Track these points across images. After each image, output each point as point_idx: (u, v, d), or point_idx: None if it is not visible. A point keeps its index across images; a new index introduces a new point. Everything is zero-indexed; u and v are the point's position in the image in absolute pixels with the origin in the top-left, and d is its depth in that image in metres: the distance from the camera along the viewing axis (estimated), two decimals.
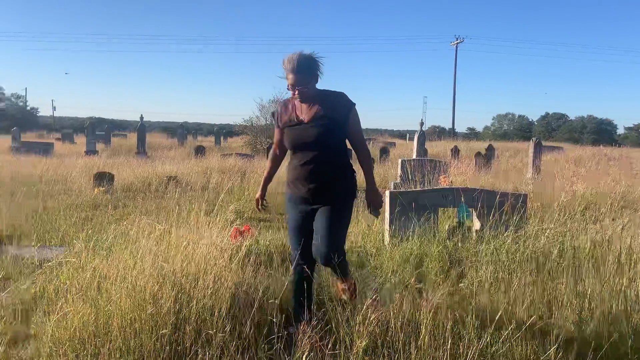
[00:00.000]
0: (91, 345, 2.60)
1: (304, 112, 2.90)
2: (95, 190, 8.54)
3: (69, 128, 36.08)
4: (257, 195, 3.28)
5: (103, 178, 8.98)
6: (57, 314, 2.74)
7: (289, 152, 3.15)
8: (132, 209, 6.86)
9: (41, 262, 4.12)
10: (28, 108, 59.27)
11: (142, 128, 19.07)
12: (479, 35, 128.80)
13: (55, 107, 63.58)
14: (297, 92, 2.83)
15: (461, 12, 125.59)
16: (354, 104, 2.92)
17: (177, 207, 4.43)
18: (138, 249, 3.20)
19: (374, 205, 3.06)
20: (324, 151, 2.87)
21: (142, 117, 19.15)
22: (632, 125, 66.27)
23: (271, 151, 3.26)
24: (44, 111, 64.07)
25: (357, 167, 3.23)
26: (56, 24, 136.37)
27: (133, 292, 2.75)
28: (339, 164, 2.96)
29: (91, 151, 17.60)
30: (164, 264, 2.95)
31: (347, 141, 3.06)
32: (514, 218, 4.52)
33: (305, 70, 2.79)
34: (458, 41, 50.48)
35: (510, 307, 3.08)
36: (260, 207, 3.28)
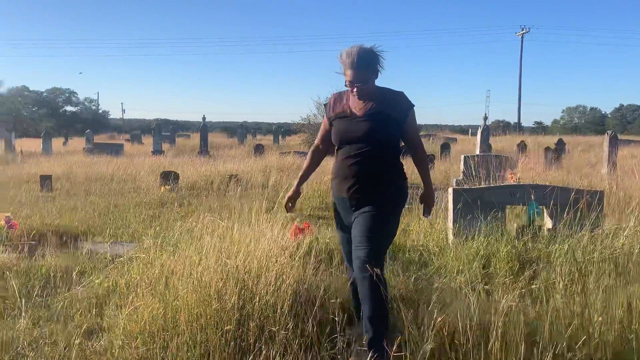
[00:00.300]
0: (160, 339, 2.67)
1: (358, 107, 2.70)
2: (162, 188, 8.89)
3: (137, 129, 37.92)
4: (290, 193, 2.98)
5: (168, 177, 9.33)
6: (128, 307, 2.85)
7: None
8: (196, 207, 7.07)
9: (113, 257, 4.32)
10: (100, 111, 62.77)
11: (204, 128, 19.67)
12: (546, 24, 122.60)
13: (124, 110, 66.72)
14: (355, 90, 2.64)
15: (526, 1, 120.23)
16: (413, 105, 2.72)
17: (239, 205, 4.51)
18: (202, 245, 3.27)
19: (427, 206, 2.95)
20: (373, 148, 2.63)
21: (204, 118, 19.77)
22: None
23: (313, 146, 3.00)
24: (115, 114, 67.51)
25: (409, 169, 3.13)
26: (124, 31, 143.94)
27: (199, 288, 2.80)
28: (389, 165, 2.70)
29: (157, 151, 18.38)
30: (228, 261, 2.99)
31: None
32: (590, 216, 4.24)
33: (365, 65, 2.59)
34: (524, 31, 48.44)
35: (587, 311, 2.88)
36: (288, 207, 2.98)
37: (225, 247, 3.29)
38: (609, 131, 11.43)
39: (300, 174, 2.99)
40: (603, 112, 67.54)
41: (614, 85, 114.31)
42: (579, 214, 4.27)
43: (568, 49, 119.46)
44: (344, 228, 2.81)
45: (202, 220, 3.88)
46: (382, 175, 2.66)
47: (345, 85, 2.68)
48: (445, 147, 17.03)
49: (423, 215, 2.99)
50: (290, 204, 2.98)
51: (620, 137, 14.94)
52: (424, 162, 2.86)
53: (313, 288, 3.15)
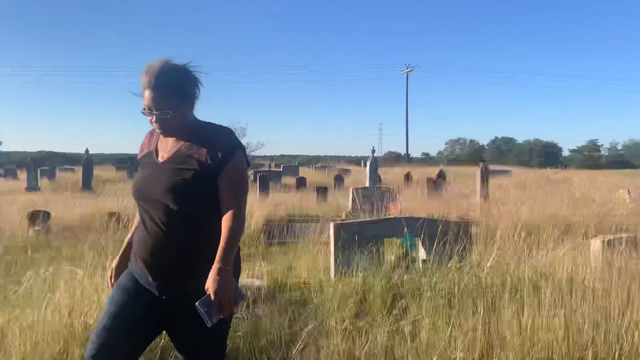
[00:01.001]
0: None
1: (165, 149, 1.97)
2: (30, 230, 8.02)
3: (13, 164, 34.47)
4: (114, 263, 2.12)
5: (38, 217, 8.46)
6: None
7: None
8: (61, 252, 6.42)
9: None
10: None
11: (87, 162, 18.37)
12: (429, 63, 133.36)
13: (1, 142, 60.47)
14: (154, 119, 1.89)
15: (410, 42, 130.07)
16: (240, 147, 1.93)
17: (110, 248, 4.13)
18: (47, 300, 2.90)
19: (210, 301, 1.72)
20: (177, 213, 1.84)
21: (87, 151, 18.50)
22: (576, 148, 69.93)
23: None
24: None
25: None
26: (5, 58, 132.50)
27: (34, 353, 2.45)
28: (204, 239, 1.86)
29: (32, 187, 16.79)
30: (74, 320, 2.67)
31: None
32: (458, 247, 4.45)
33: (168, 86, 1.85)
34: (408, 70, 52.27)
35: (450, 346, 2.94)
36: (112, 283, 2.09)
37: (76, 301, 2.96)
38: (480, 163, 12.39)
39: (126, 239, 2.12)
40: (481, 144, 74.39)
41: (490, 118, 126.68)
42: (448, 244, 4.46)
43: (451, 85, 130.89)
44: (119, 303, 1.92)
45: (56, 270, 3.48)
46: (195, 259, 1.85)
47: (143, 113, 1.92)
48: (338, 179, 17.44)
49: (201, 315, 1.71)
50: (114, 279, 2.09)
51: (494, 167, 16.33)
52: (229, 224, 1.82)
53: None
